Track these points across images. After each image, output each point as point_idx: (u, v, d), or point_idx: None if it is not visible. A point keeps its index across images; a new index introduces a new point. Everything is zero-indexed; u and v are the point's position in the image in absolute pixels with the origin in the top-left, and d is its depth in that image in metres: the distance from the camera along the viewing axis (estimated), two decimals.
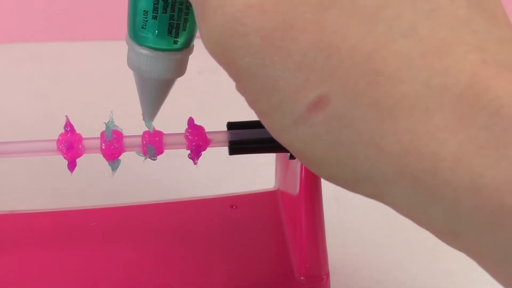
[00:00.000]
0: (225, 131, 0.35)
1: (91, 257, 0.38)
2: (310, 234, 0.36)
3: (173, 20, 0.31)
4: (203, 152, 0.35)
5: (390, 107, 0.25)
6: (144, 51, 0.32)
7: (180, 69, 0.32)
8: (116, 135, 0.34)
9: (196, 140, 0.34)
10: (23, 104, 0.58)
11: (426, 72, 0.25)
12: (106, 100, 0.58)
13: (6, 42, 0.65)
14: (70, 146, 0.34)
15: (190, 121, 0.34)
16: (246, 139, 0.35)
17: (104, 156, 0.34)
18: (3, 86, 0.60)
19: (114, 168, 0.34)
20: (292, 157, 0.35)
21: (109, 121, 0.34)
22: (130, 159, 0.35)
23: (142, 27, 0.31)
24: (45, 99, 0.59)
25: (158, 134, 0.34)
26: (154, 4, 0.31)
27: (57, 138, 0.34)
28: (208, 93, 0.58)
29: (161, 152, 0.34)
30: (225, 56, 0.26)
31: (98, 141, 0.34)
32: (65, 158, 0.34)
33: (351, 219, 0.48)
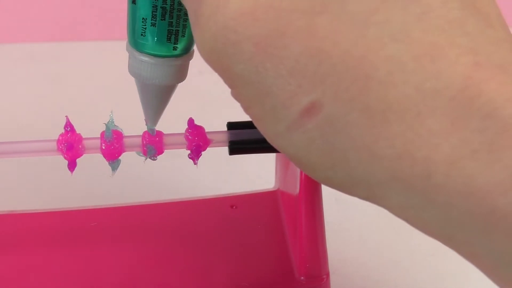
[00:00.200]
0: (225, 131, 0.35)
1: (91, 257, 0.38)
2: (310, 234, 0.36)
3: (172, 26, 0.31)
4: (203, 152, 0.35)
5: (382, 111, 0.25)
6: (144, 58, 0.32)
7: (180, 75, 0.33)
8: (116, 135, 0.34)
9: (196, 140, 0.34)
10: (23, 104, 0.58)
11: (418, 76, 0.24)
12: (106, 100, 0.58)
13: (6, 42, 0.65)
14: (70, 146, 0.34)
15: (190, 121, 0.34)
16: (246, 139, 0.35)
17: (104, 156, 0.34)
18: (3, 86, 0.60)
19: (114, 168, 0.34)
20: None
21: (109, 121, 0.34)
22: (130, 159, 0.35)
23: (141, 34, 0.31)
24: (45, 99, 0.58)
25: (158, 134, 0.34)
26: (153, 11, 0.31)
27: (57, 138, 0.34)
28: (208, 93, 0.58)
29: (161, 152, 0.34)
30: (219, 63, 0.27)
31: (98, 141, 0.34)
32: (65, 158, 0.34)
33: (351, 219, 0.48)
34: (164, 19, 0.31)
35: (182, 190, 0.50)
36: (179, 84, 0.33)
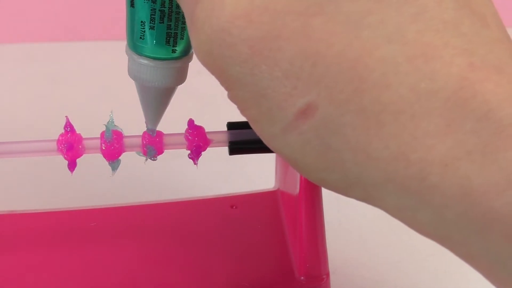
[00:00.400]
0: (225, 131, 0.35)
1: (91, 257, 0.38)
2: (310, 234, 0.36)
3: (171, 29, 0.31)
4: (203, 152, 0.35)
5: (376, 113, 0.25)
6: (144, 61, 0.32)
7: (180, 77, 0.33)
8: (116, 136, 0.34)
9: (196, 141, 0.34)
10: (23, 104, 0.58)
11: (412, 77, 0.24)
12: (106, 100, 0.58)
13: (6, 42, 0.65)
14: (70, 146, 0.34)
15: (190, 121, 0.35)
16: (246, 139, 0.35)
17: (104, 156, 0.34)
18: (3, 86, 0.60)
19: (114, 168, 0.34)
20: None
21: (109, 121, 0.34)
22: (130, 159, 0.35)
23: (140, 37, 0.32)
24: (45, 99, 0.58)
25: (158, 134, 0.34)
26: (151, 14, 0.31)
27: (57, 138, 0.34)
28: (208, 93, 0.58)
29: (161, 152, 0.34)
30: (215, 66, 0.27)
31: (98, 141, 0.34)
32: (65, 158, 0.34)
33: (351, 219, 0.48)
34: (163, 22, 0.31)
35: (182, 190, 0.50)
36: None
